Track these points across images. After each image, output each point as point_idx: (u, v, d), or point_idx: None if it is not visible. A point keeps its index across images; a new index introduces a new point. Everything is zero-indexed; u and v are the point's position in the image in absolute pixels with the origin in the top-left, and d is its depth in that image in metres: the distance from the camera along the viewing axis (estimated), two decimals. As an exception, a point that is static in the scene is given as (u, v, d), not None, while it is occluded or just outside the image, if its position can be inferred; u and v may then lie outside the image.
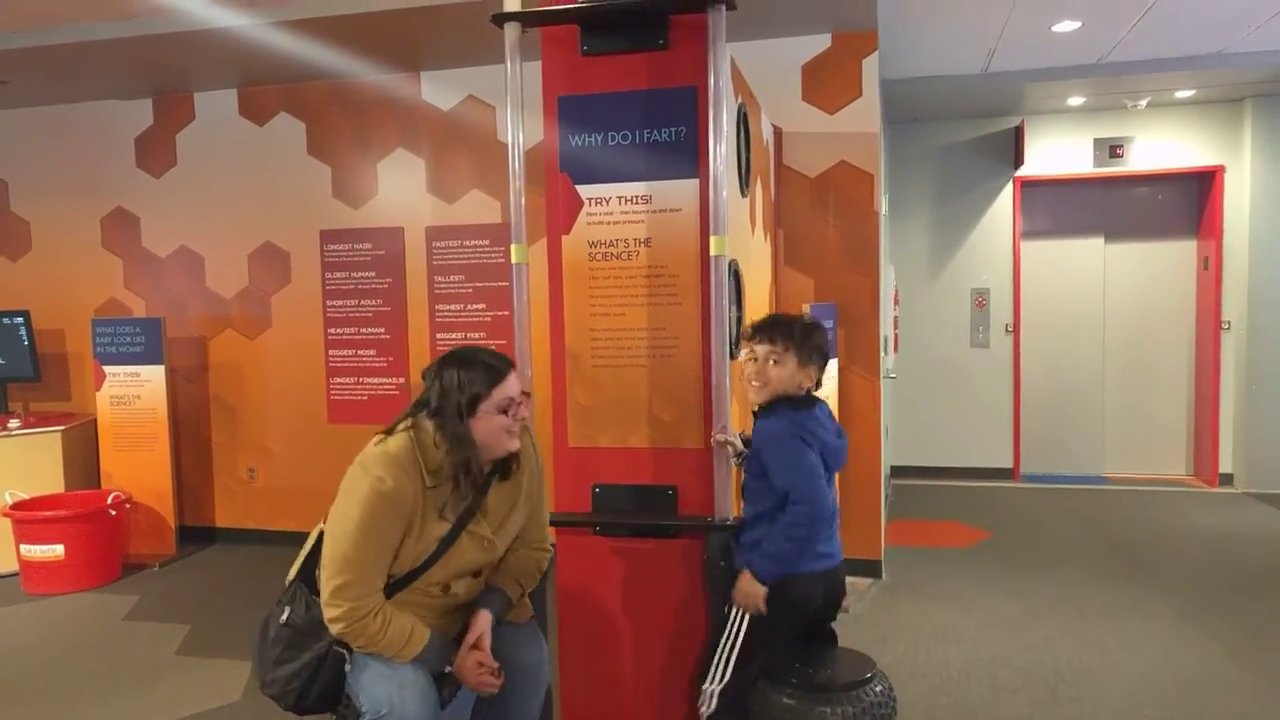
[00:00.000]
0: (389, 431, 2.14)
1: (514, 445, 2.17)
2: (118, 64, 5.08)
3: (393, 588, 2.15)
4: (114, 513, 5.15)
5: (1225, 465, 6.78)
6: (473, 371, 2.11)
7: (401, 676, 2.11)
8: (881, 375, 4.99)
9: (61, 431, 5.47)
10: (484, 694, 2.23)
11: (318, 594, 2.15)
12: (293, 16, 4.35)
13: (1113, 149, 6.86)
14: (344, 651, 2.14)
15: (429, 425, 2.11)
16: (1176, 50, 5.55)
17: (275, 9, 4.32)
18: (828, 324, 4.60)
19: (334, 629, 2.08)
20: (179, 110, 5.80)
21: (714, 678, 2.34)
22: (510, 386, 2.14)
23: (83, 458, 5.63)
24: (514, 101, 2.72)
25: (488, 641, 2.23)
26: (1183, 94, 6.45)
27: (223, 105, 5.73)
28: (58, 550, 4.92)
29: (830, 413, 2.52)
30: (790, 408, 2.43)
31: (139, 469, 5.50)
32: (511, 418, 2.13)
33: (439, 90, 5.39)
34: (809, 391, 2.47)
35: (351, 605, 2.04)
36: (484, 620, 2.24)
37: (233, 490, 5.87)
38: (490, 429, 2.10)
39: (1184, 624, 4.14)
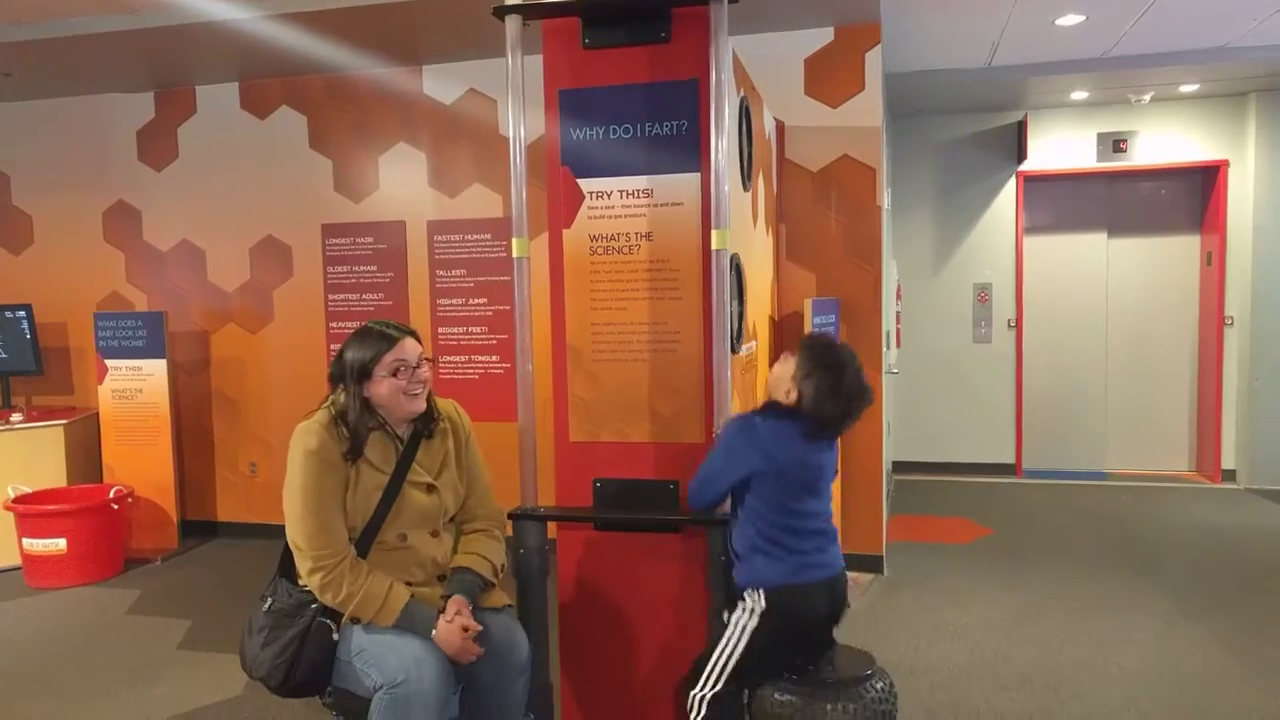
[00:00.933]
0: (310, 415, 2.38)
1: (417, 406, 2.38)
2: (119, 57, 5.07)
3: (360, 546, 2.32)
4: (116, 507, 5.16)
5: (1228, 461, 6.77)
6: (366, 340, 2.35)
7: (415, 651, 2.22)
8: (884, 370, 4.98)
9: (64, 425, 5.47)
10: (464, 661, 2.30)
11: (296, 583, 2.33)
12: (295, 9, 4.34)
13: (1116, 143, 6.84)
14: (329, 623, 2.27)
15: (340, 394, 2.36)
16: (1180, 44, 5.53)
17: (278, 1, 4.31)
18: (829, 318, 4.59)
19: (314, 581, 2.24)
20: (180, 103, 5.79)
21: (705, 684, 2.29)
22: (402, 350, 2.35)
23: (85, 451, 5.63)
24: (515, 95, 2.71)
25: (467, 612, 2.33)
26: (1187, 88, 6.42)
27: (224, 98, 5.72)
28: (60, 544, 4.92)
29: (824, 445, 2.35)
30: (760, 411, 2.37)
31: (141, 463, 5.51)
32: (406, 380, 2.34)
33: (440, 84, 5.37)
34: (801, 407, 2.28)
35: (321, 552, 2.24)
36: (458, 599, 2.35)
37: (234, 485, 5.88)
38: (386, 390, 2.33)
39: (1186, 621, 4.14)
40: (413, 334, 2.43)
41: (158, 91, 5.82)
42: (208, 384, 5.89)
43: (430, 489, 2.42)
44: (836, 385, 2.25)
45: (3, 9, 4.42)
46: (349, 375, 2.34)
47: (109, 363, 5.53)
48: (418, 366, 2.38)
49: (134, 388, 5.51)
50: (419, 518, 2.39)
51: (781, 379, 2.34)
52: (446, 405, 2.55)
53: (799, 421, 2.29)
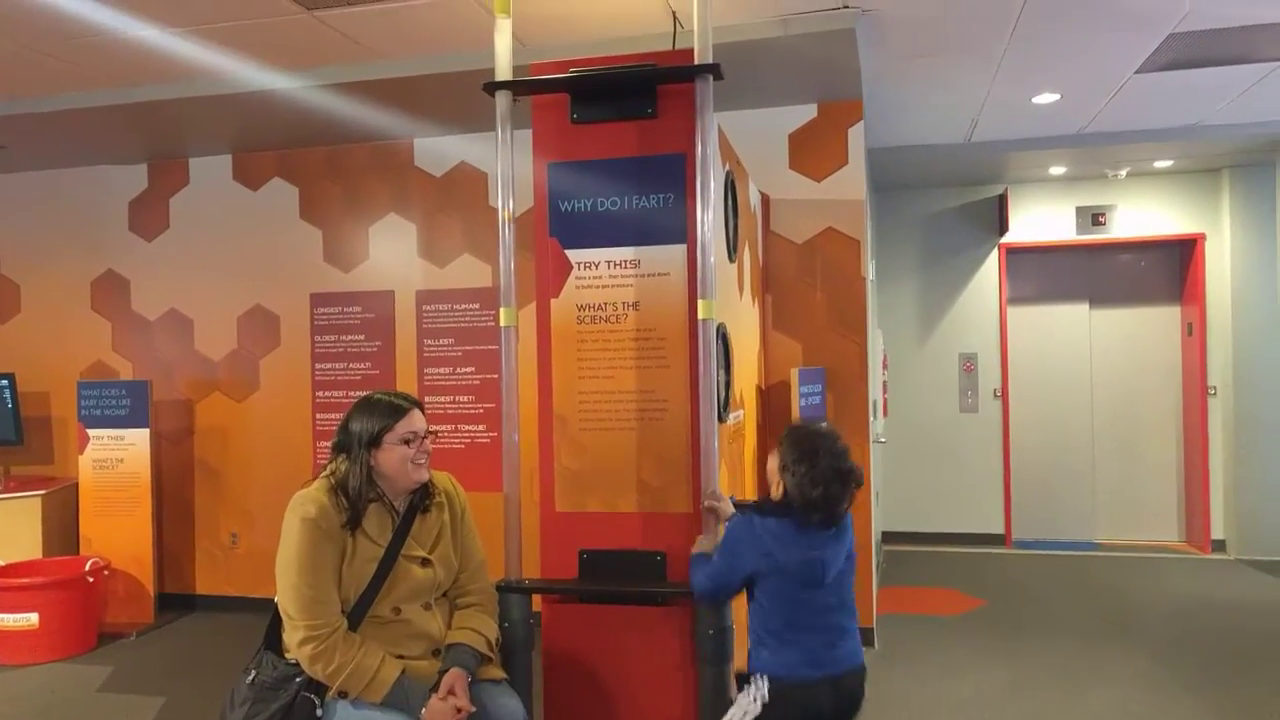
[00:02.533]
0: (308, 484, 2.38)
1: (421, 476, 2.38)
2: (115, 130, 5.14)
3: (352, 620, 2.28)
4: (91, 580, 5.04)
5: (1217, 531, 6.75)
6: (377, 409, 2.37)
7: None
8: (871, 440, 4.98)
9: (42, 496, 5.38)
10: None
11: (282, 655, 2.29)
12: (289, 85, 4.42)
13: (1095, 217, 6.98)
14: (313, 697, 2.23)
15: (343, 464, 2.35)
16: (1153, 123, 5.69)
17: (273, 77, 4.40)
18: (815, 388, 4.61)
19: (304, 652, 2.20)
20: (173, 175, 5.86)
21: None
22: (413, 421, 2.37)
23: (62, 523, 5.53)
24: (505, 168, 2.75)
25: (463, 689, 2.30)
26: (1161, 164, 6.59)
27: (217, 170, 5.79)
28: (32, 619, 4.80)
29: (827, 537, 2.29)
30: (757, 509, 2.35)
31: (119, 534, 5.40)
32: (415, 449, 2.35)
33: (431, 156, 5.46)
34: (790, 500, 2.27)
35: (314, 622, 2.20)
36: (455, 673, 2.32)
37: (214, 556, 5.77)
38: (396, 460, 2.33)
39: (1184, 694, 4.07)
40: (420, 405, 2.45)
41: (151, 162, 5.89)
42: (191, 453, 5.82)
43: (425, 563, 2.39)
44: (812, 471, 2.24)
45: (3, 83, 4.49)
46: (357, 444, 2.34)
47: (91, 432, 5.47)
48: (425, 437, 2.39)
49: (115, 457, 5.44)
50: (413, 591, 2.37)
51: (772, 473, 2.35)
52: (442, 479, 2.55)
53: (793, 515, 2.27)
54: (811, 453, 2.27)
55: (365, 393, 2.48)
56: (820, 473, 2.24)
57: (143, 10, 3.63)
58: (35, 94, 4.67)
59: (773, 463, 2.35)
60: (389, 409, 2.37)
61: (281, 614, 2.27)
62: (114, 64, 4.24)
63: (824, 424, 2.38)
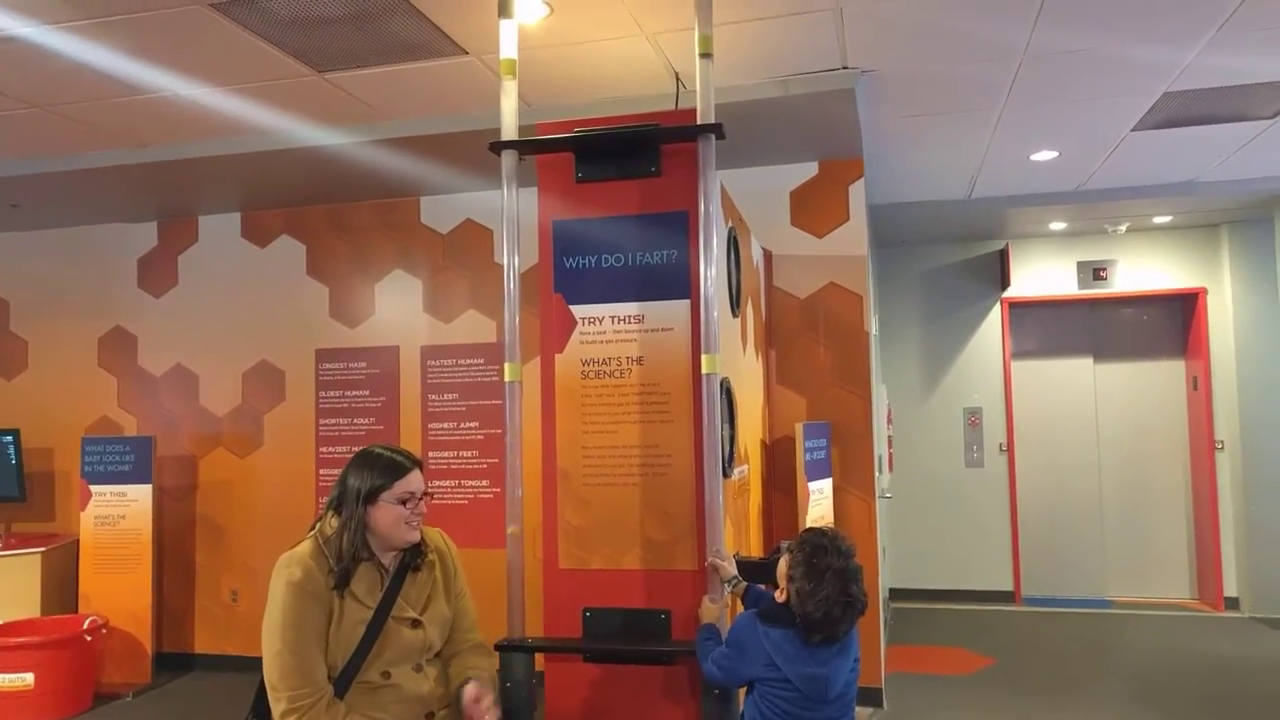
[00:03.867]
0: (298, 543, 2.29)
1: (413, 536, 2.29)
2: (127, 188, 5.23)
3: (339, 685, 2.19)
4: (89, 638, 4.98)
5: (1230, 589, 6.65)
6: (376, 465, 2.29)
7: None
8: (877, 495, 4.95)
9: (41, 553, 5.35)
10: None
11: None
12: (299, 144, 4.50)
13: (1096, 271, 7.02)
14: None
15: (333, 521, 2.26)
16: (1150, 179, 5.76)
17: (283, 137, 4.48)
18: (820, 442, 4.59)
19: None
20: (183, 232, 5.93)
21: None
22: (412, 481, 2.28)
23: (61, 580, 5.48)
24: (510, 225, 2.79)
25: (489, 698, 2.25)
26: (1160, 220, 6.65)
27: (226, 228, 5.86)
28: (27, 679, 4.73)
29: (831, 653, 2.24)
30: (770, 617, 2.29)
31: (118, 592, 5.35)
32: (410, 510, 2.26)
33: (437, 214, 5.53)
34: (793, 611, 2.23)
35: (297, 691, 2.11)
36: (478, 686, 2.26)
37: (214, 614, 5.70)
38: (390, 519, 2.24)
39: (1200, 757, 3.97)
40: (421, 465, 2.37)
41: (161, 220, 5.97)
42: (193, 509, 5.79)
43: (415, 624, 2.30)
44: (816, 592, 2.19)
45: (19, 144, 4.58)
46: (354, 499, 2.25)
47: (93, 488, 5.45)
48: (422, 498, 2.31)
49: (117, 513, 5.41)
50: (403, 654, 2.28)
51: (781, 575, 2.30)
52: (433, 535, 2.47)
53: (789, 629, 2.24)
54: (819, 573, 2.21)
55: (364, 447, 2.40)
56: (824, 596, 2.19)
57: (157, 72, 3.71)
58: (49, 153, 4.76)
59: (783, 565, 2.30)
60: (389, 466, 2.29)
61: (266, 683, 2.18)
62: (128, 124, 4.33)
63: (841, 540, 2.31)
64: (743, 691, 2.50)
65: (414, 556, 2.35)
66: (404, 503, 2.26)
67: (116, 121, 4.28)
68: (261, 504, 5.68)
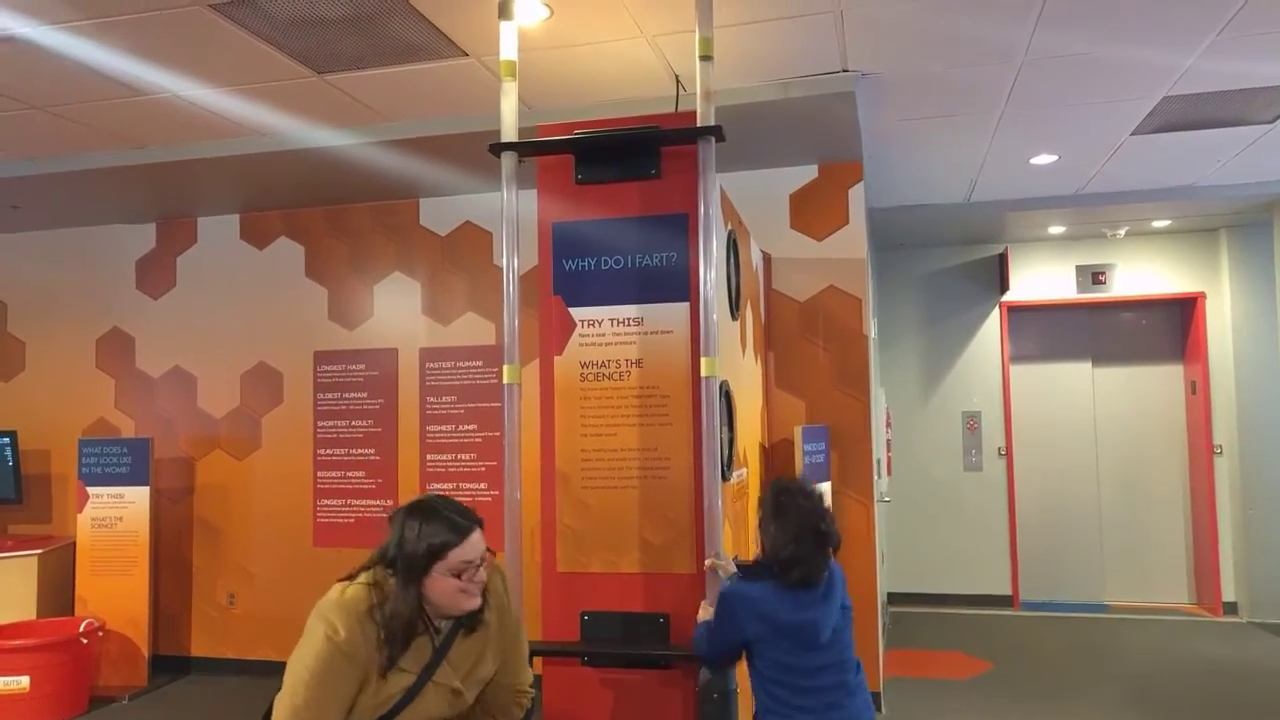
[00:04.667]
0: (351, 577, 2.03)
1: (470, 605, 2.01)
2: (126, 190, 5.22)
3: None
4: (85, 641, 4.96)
5: (1228, 593, 6.64)
6: (433, 528, 1.98)
7: None
8: (875, 499, 4.94)
9: (38, 555, 5.33)
10: None
11: None
12: (298, 145, 4.50)
13: (1095, 276, 7.02)
14: None
15: (390, 580, 1.99)
16: (1149, 183, 5.76)
17: (281, 139, 4.47)
18: (819, 445, 4.58)
19: None
20: (181, 234, 5.92)
21: None
22: (469, 549, 1.98)
23: (58, 583, 5.46)
24: (510, 227, 2.78)
25: None
26: (1159, 224, 6.65)
27: (225, 229, 5.85)
28: (23, 682, 4.71)
29: (815, 598, 2.27)
30: (750, 575, 2.36)
31: (115, 595, 5.34)
32: (466, 581, 1.98)
33: (437, 216, 5.53)
34: (770, 560, 2.26)
35: None
36: None
37: (211, 617, 5.68)
38: (444, 590, 1.97)
39: (1199, 762, 3.97)
40: (480, 524, 2.05)
41: (160, 222, 5.96)
42: (190, 511, 5.78)
43: (455, 693, 2.05)
44: (784, 527, 2.24)
45: (19, 144, 4.57)
46: (406, 562, 1.95)
47: (90, 490, 5.43)
48: (480, 564, 2.01)
49: (114, 515, 5.40)
50: (435, 718, 2.04)
51: (756, 533, 2.35)
52: (494, 580, 2.12)
53: (775, 577, 2.26)
54: (784, 509, 2.27)
55: (423, 495, 2.10)
56: (790, 531, 2.23)
57: (157, 73, 3.71)
58: (49, 154, 4.75)
59: (756, 522, 2.36)
60: (448, 531, 1.97)
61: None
62: (128, 125, 4.32)
63: (805, 483, 2.36)
64: (748, 692, 2.49)
65: (470, 619, 2.06)
66: (458, 575, 1.97)
67: (116, 122, 4.28)
68: (259, 506, 5.66)
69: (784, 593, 2.24)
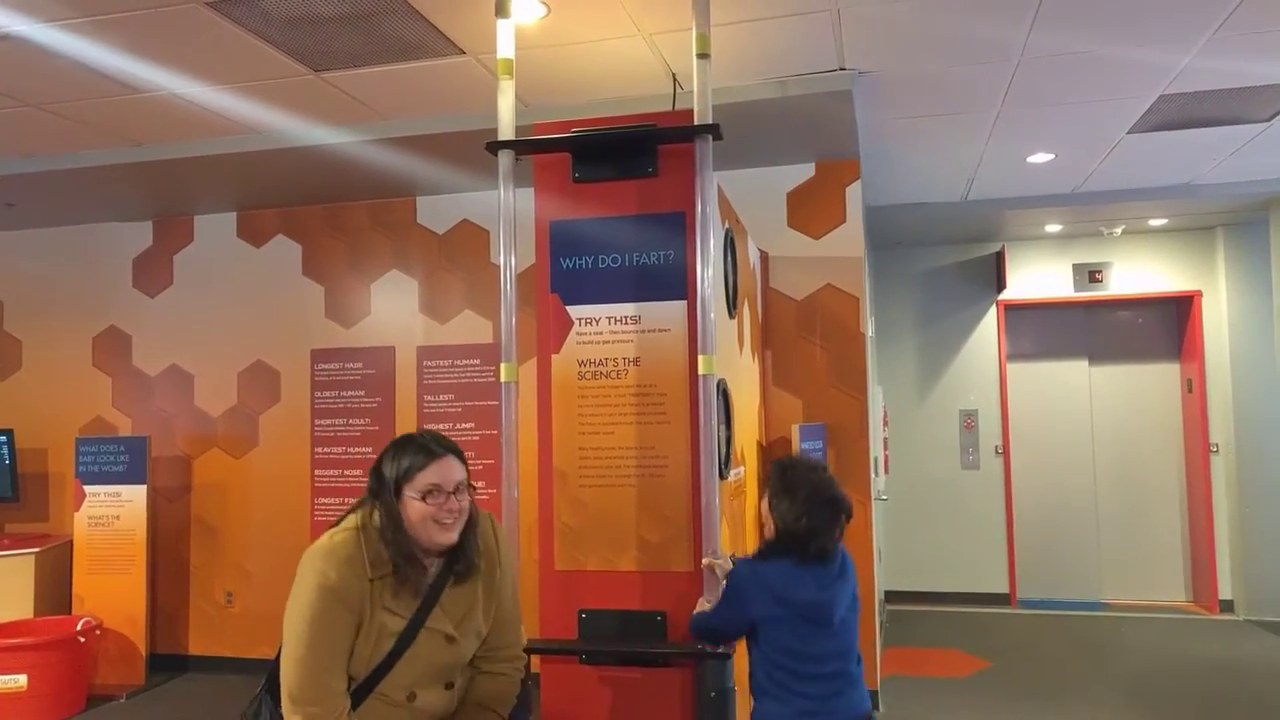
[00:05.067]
0: (338, 524, 2.07)
1: (444, 538, 2.03)
2: (123, 187, 5.21)
3: (357, 695, 2.01)
4: (83, 640, 4.96)
5: (1225, 591, 6.66)
6: (402, 453, 2.04)
7: None
8: (873, 497, 4.95)
9: (35, 554, 5.32)
10: None
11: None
12: (295, 143, 4.49)
13: (1092, 274, 7.03)
14: None
15: (375, 515, 2.04)
16: (1146, 181, 5.77)
17: (277, 137, 4.47)
18: (816, 444, 4.59)
19: None
20: (178, 232, 5.92)
21: None
22: (435, 473, 2.02)
23: (55, 581, 5.46)
24: (507, 225, 2.78)
25: None
26: (1156, 222, 6.66)
27: (221, 227, 5.85)
28: (20, 680, 4.71)
29: (831, 576, 2.29)
30: (764, 554, 2.35)
31: (112, 593, 5.33)
32: (436, 507, 2.01)
33: (434, 214, 5.52)
34: (783, 538, 2.28)
35: (312, 708, 1.93)
36: None
37: (209, 615, 5.68)
38: (418, 516, 2.00)
39: (1195, 759, 3.98)
40: (457, 452, 2.08)
41: (156, 220, 5.95)
42: (188, 510, 5.78)
43: (450, 640, 2.07)
44: (795, 500, 2.26)
45: (15, 142, 4.56)
46: (385, 490, 2.02)
47: (88, 488, 5.43)
48: (454, 492, 2.03)
49: (111, 514, 5.40)
50: (433, 672, 2.07)
51: (764, 515, 2.36)
52: (483, 525, 2.16)
53: (792, 554, 2.26)
54: (793, 484, 2.28)
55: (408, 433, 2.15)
56: (804, 502, 2.25)
57: (153, 71, 3.70)
58: (45, 152, 4.74)
59: (763, 504, 2.35)
60: (414, 453, 2.03)
61: (281, 688, 1.98)
62: (124, 122, 4.31)
63: (807, 457, 2.40)
64: (745, 691, 2.50)
65: (460, 561, 2.09)
66: (424, 497, 2.01)
67: (112, 120, 4.27)
68: (256, 505, 5.66)
69: (802, 570, 2.25)
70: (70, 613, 5.35)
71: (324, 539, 2.02)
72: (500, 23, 2.85)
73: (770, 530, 2.31)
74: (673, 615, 2.60)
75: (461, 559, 2.08)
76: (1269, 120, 4.57)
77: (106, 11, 3.17)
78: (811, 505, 2.25)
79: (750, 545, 3.73)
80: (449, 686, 2.11)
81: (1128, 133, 4.73)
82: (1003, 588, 7.07)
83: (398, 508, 2.01)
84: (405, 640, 2.02)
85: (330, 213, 5.68)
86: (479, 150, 3.02)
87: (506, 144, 2.80)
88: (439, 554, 2.07)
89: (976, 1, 3.24)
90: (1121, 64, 3.83)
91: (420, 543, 2.03)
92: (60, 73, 3.67)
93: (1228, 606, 6.64)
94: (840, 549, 2.34)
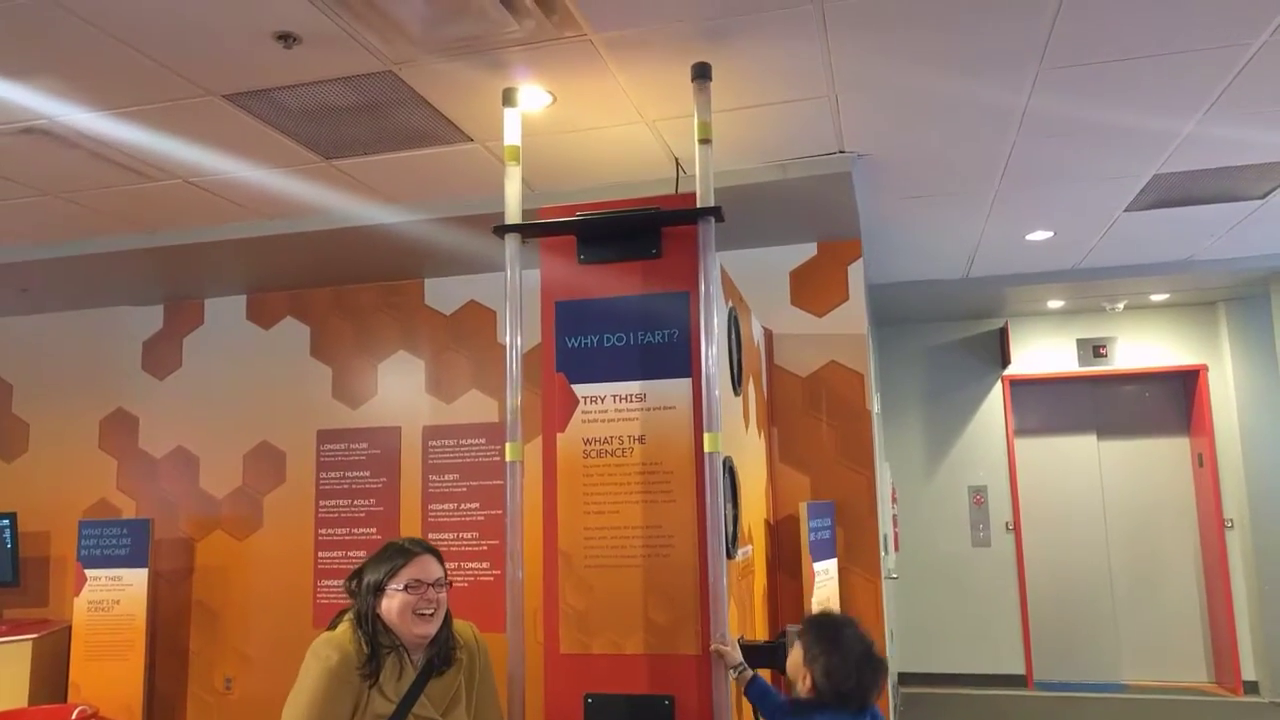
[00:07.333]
0: (333, 626, 2.30)
1: (424, 629, 2.25)
2: (134, 273, 5.29)
3: None
4: (78, 729, 4.85)
5: (1248, 672, 6.48)
6: (383, 554, 2.30)
7: None
8: (883, 575, 4.87)
9: (33, 640, 5.24)
10: None
11: None
12: (305, 228, 4.58)
13: (1096, 349, 7.05)
14: None
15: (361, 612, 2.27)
16: (1145, 258, 5.83)
17: (288, 222, 4.56)
18: (825, 521, 4.54)
19: None
20: (188, 315, 5.99)
21: None
22: (416, 568, 2.27)
23: (53, 668, 5.36)
24: (513, 306, 2.82)
25: None
26: (1157, 297, 6.70)
27: (231, 310, 5.92)
28: (12, 772, 4.59)
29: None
30: (795, 711, 2.33)
31: (110, 680, 5.23)
32: (418, 598, 2.23)
33: (442, 295, 5.59)
34: (827, 695, 2.26)
35: None
36: None
37: (207, 702, 5.56)
38: (401, 606, 2.22)
39: None
40: (434, 553, 2.37)
41: (167, 303, 6.03)
42: (189, 593, 5.70)
43: None
44: (844, 661, 2.24)
45: (32, 230, 4.66)
46: (365, 590, 2.27)
47: (89, 572, 5.37)
48: (433, 585, 2.29)
49: (111, 598, 5.33)
50: None
51: (796, 668, 2.33)
52: (465, 630, 2.44)
53: (828, 710, 2.25)
54: (838, 643, 2.27)
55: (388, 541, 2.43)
56: (851, 662, 2.24)
57: (170, 159, 3.80)
58: (60, 239, 4.84)
59: (795, 656, 2.32)
60: (396, 552, 2.30)
61: None
62: (138, 209, 4.41)
63: (841, 613, 2.39)
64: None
65: (442, 653, 2.31)
66: (406, 588, 2.22)
67: (126, 207, 4.37)
68: (258, 588, 5.59)
69: None
70: (66, 700, 5.23)
71: (324, 634, 2.26)
72: (508, 111, 2.93)
73: (807, 685, 2.28)
74: (680, 699, 2.53)
75: (441, 649, 2.30)
76: (1264, 197, 4.64)
77: (126, 105, 3.27)
78: (860, 664, 2.26)
79: (759, 628, 3.66)
80: None
81: (1124, 210, 4.80)
82: (1019, 669, 6.89)
83: (377, 603, 2.24)
84: None
85: (339, 294, 5.75)
86: (486, 233, 3.08)
87: (513, 227, 2.85)
88: (421, 647, 2.28)
89: (975, 64, 3.27)
90: (1116, 144, 3.90)
91: (402, 636, 2.24)
92: (77, 162, 3.77)
93: (1252, 688, 6.45)
94: (873, 707, 2.33)
